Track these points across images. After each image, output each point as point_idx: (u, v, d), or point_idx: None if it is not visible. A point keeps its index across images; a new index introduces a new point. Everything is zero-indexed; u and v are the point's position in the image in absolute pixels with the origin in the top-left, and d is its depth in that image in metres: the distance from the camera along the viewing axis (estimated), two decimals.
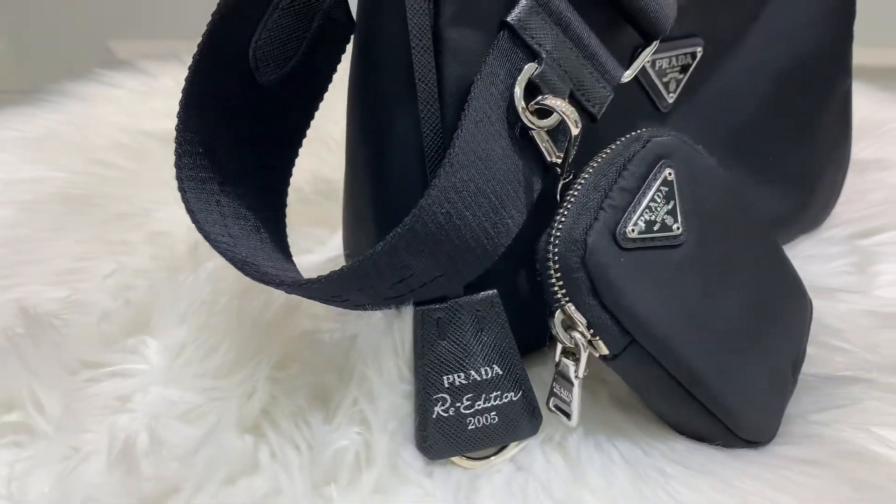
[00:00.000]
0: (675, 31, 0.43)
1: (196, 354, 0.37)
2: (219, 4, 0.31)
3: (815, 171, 0.51)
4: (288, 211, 0.47)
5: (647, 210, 0.34)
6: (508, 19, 0.34)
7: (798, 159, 0.50)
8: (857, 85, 0.79)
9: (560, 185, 0.37)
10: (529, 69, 0.34)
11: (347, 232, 0.42)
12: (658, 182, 0.35)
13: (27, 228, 0.48)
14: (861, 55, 1.11)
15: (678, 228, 0.35)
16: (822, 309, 0.46)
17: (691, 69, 0.44)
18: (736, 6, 0.45)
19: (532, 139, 0.35)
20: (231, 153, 0.35)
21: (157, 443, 0.32)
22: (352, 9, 0.36)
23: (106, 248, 0.45)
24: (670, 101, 0.44)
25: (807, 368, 0.41)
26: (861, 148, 0.65)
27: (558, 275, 0.34)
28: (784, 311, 0.39)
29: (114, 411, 0.36)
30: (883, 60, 1.06)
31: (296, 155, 0.38)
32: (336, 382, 0.35)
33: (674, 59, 0.43)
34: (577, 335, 0.34)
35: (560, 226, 0.34)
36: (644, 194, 0.35)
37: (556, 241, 0.34)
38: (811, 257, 0.52)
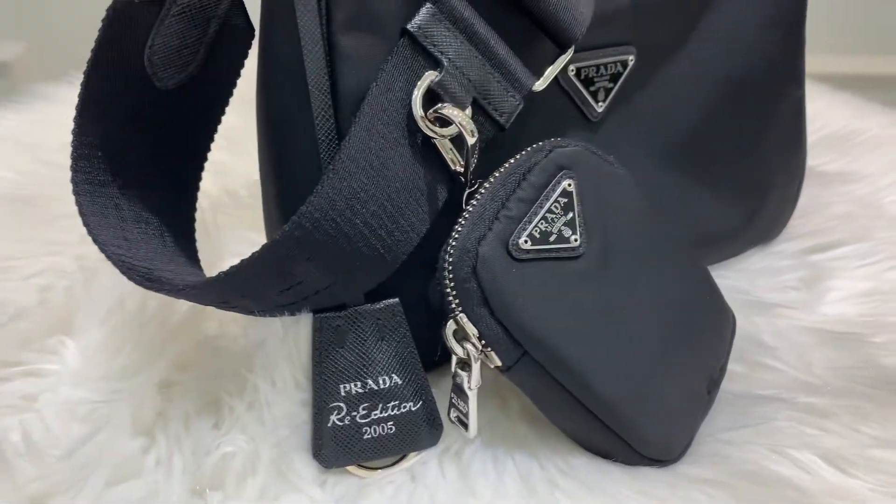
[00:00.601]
0: (604, 39, 0.42)
1: (105, 356, 0.38)
2: (108, 10, 0.32)
3: (763, 182, 0.50)
4: (223, 215, 0.47)
5: (543, 221, 0.34)
6: (409, 26, 0.34)
7: (744, 170, 0.49)
8: (838, 93, 0.78)
9: (465, 194, 0.36)
10: (429, 77, 0.34)
11: (266, 237, 0.42)
12: (557, 193, 0.34)
13: None
14: (845, 63, 1.09)
15: (576, 240, 0.34)
16: (761, 325, 0.45)
17: (622, 78, 0.43)
18: (671, 16, 0.44)
19: (436, 147, 0.35)
20: (134, 157, 0.35)
21: (41, 443, 0.32)
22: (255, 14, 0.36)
23: (40, 248, 0.46)
24: (600, 110, 0.43)
25: (728, 386, 0.40)
26: (830, 159, 0.64)
27: (452, 284, 0.33)
28: (701, 327, 0.38)
29: (19, 410, 0.36)
30: (871, 69, 1.03)
31: (204, 159, 0.38)
32: (232, 388, 0.35)
33: (602, 68, 0.42)
34: (469, 346, 0.34)
35: (456, 235, 0.34)
36: (541, 205, 0.34)
37: (452, 251, 0.33)
38: (759, 271, 0.50)
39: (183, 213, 0.38)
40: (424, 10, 0.34)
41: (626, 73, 0.43)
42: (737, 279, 0.49)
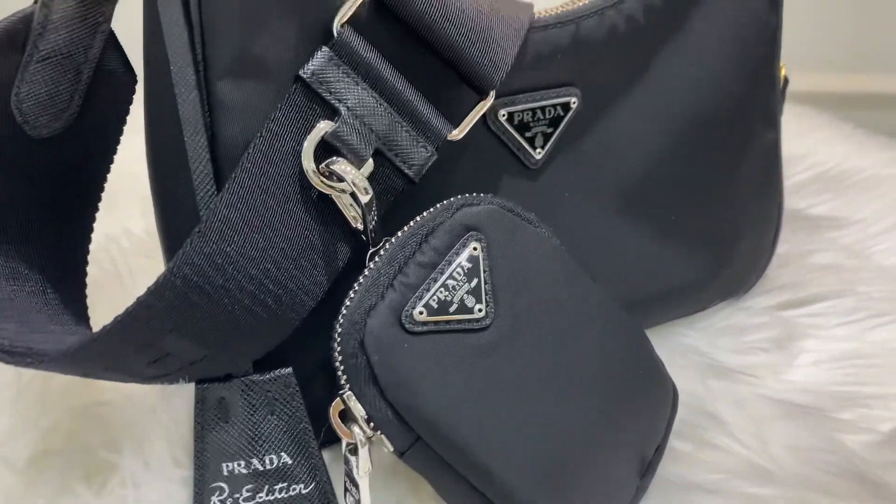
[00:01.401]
0: (541, 80, 0.39)
1: None
2: None
3: (731, 232, 0.46)
4: (146, 258, 0.44)
5: (442, 289, 0.30)
6: (302, 72, 0.31)
7: (710, 219, 0.45)
8: (839, 125, 0.73)
9: (368, 255, 0.33)
10: (322, 127, 0.31)
11: None
12: (461, 257, 0.31)
13: None
14: (852, 82, 1.03)
15: (481, 310, 0.31)
16: (717, 392, 0.41)
17: (565, 122, 0.39)
18: (620, 53, 0.40)
19: (332, 202, 0.32)
20: (9, 211, 0.33)
21: None
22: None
23: None
24: (539, 156, 0.39)
25: (667, 469, 0.36)
26: (820, 201, 0.59)
27: (340, 359, 0.30)
28: (631, 404, 0.34)
29: None
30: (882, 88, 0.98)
31: (94, 209, 0.35)
32: (108, 461, 0.32)
33: (539, 112, 0.39)
34: (356, 429, 0.30)
35: (348, 303, 0.30)
36: (442, 271, 0.31)
37: (342, 321, 0.30)
38: (724, 329, 0.46)
39: (71, 266, 0.35)
40: (320, 55, 0.31)
41: (568, 117, 0.39)
42: (697, 338, 0.45)
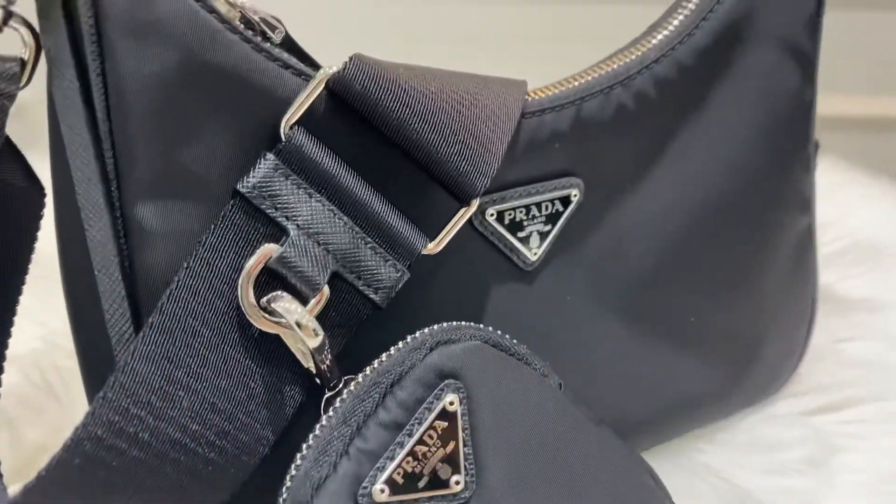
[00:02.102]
0: (536, 171, 0.33)
1: None
2: None
3: (756, 333, 0.40)
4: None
5: (410, 458, 0.25)
6: (241, 186, 0.25)
7: (731, 321, 0.39)
8: (870, 174, 0.67)
9: (324, 400, 0.27)
10: (265, 252, 0.26)
11: None
12: (434, 414, 0.25)
13: None
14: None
15: (459, 483, 0.25)
16: None
17: (564, 217, 0.34)
18: (629, 135, 0.34)
19: (278, 338, 0.26)
20: None
21: None
22: None
23: None
24: (534, 258, 0.33)
25: None
26: (855, 274, 0.53)
27: None
28: None
29: None
30: None
31: (7, 336, 0.30)
32: None
33: (534, 209, 0.33)
34: None
35: (294, 472, 0.25)
36: (410, 433, 0.25)
37: (286, 497, 0.24)
38: (751, 443, 0.40)
39: None
40: (264, 164, 0.26)
41: (568, 212, 0.34)
42: (718, 455, 0.39)
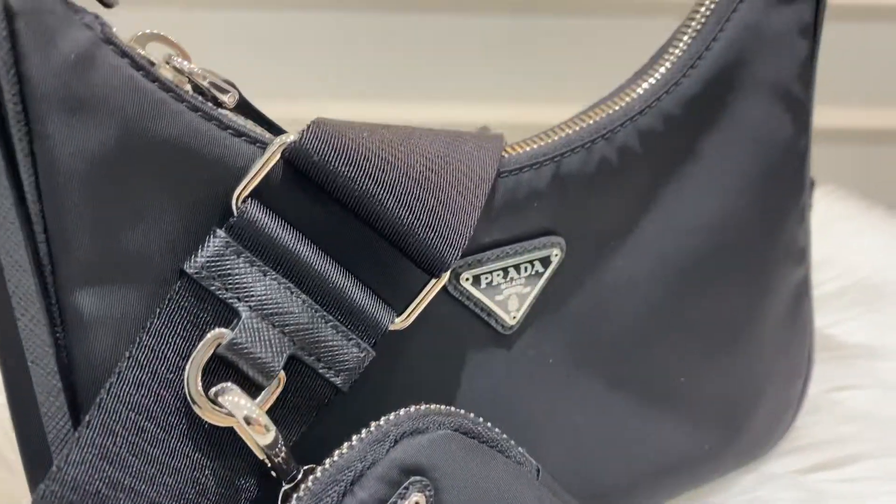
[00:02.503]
0: (515, 231, 0.31)
1: None
2: None
3: (749, 392, 0.37)
4: None
5: None
6: (188, 267, 0.24)
7: (724, 379, 0.37)
8: (866, 205, 0.65)
9: (281, 495, 0.25)
10: (215, 338, 0.24)
11: None
12: None
13: None
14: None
15: None
16: None
17: (544, 278, 0.32)
18: (611, 190, 0.32)
19: (231, 430, 0.24)
20: None
21: None
22: None
23: None
24: (513, 321, 0.31)
25: None
26: (852, 316, 0.51)
27: None
28: None
29: None
30: None
31: None
32: None
33: (512, 271, 0.31)
34: None
35: None
36: None
37: None
38: None
39: None
40: (214, 241, 0.24)
41: (548, 273, 0.32)
42: None
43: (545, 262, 0.32)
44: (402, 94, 0.89)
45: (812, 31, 0.35)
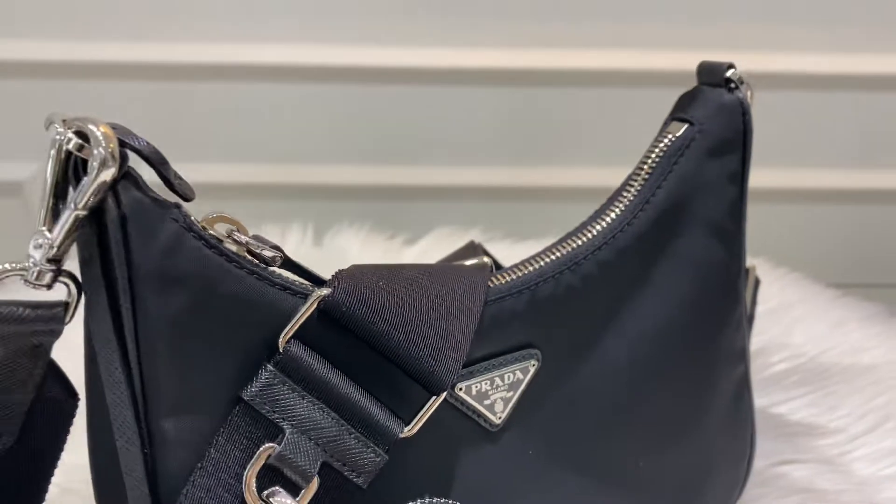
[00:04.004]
0: (501, 344, 0.38)
1: None
2: None
3: (699, 473, 0.44)
4: None
5: None
6: (244, 394, 0.31)
7: (677, 462, 0.44)
8: (818, 290, 0.72)
9: None
10: (266, 451, 0.30)
11: None
12: None
13: None
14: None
15: None
16: None
17: (524, 384, 0.39)
18: (577, 309, 0.40)
19: None
20: None
21: None
22: None
23: None
24: (498, 421, 0.38)
25: None
26: (798, 395, 0.58)
27: None
28: None
29: None
30: None
31: None
32: None
33: (498, 380, 0.38)
34: None
35: None
36: None
37: None
38: None
39: None
40: (264, 374, 0.31)
41: (527, 379, 0.39)
42: None
43: (524, 371, 0.39)
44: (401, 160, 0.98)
45: (740, 178, 0.43)
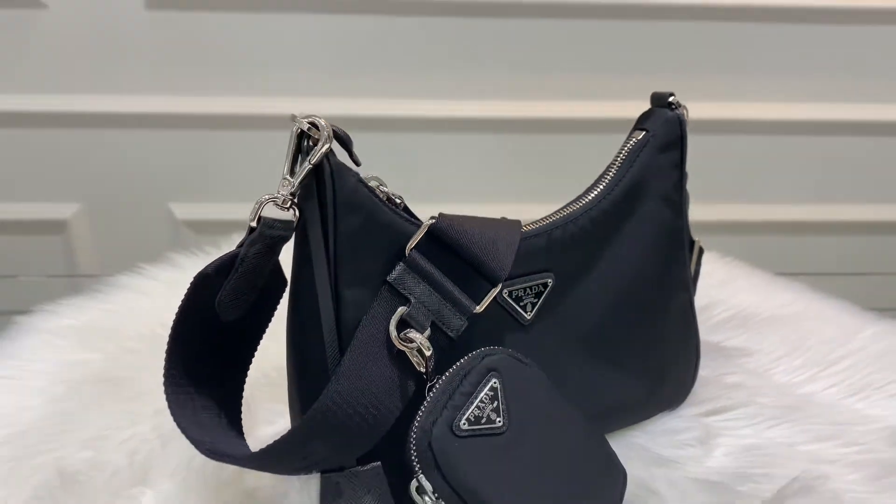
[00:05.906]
0: (528, 268, 0.60)
1: (174, 502, 0.53)
2: (193, 279, 0.50)
3: (660, 367, 0.66)
4: (257, 391, 0.64)
5: (476, 409, 0.50)
6: (388, 279, 0.52)
7: (647, 356, 0.65)
8: (754, 272, 0.95)
9: (427, 388, 0.53)
10: (401, 311, 0.52)
11: (290, 413, 0.59)
12: (486, 388, 0.51)
13: (72, 402, 0.65)
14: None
15: (500, 422, 0.50)
16: (657, 475, 0.60)
17: (545, 294, 0.60)
18: (577, 250, 0.62)
19: (407, 356, 0.52)
20: (203, 368, 0.53)
21: None
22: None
23: (125, 419, 0.62)
24: (529, 317, 0.60)
25: None
26: (735, 335, 0.80)
27: (415, 453, 0.49)
28: (595, 482, 0.53)
29: None
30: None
31: (247, 367, 0.55)
32: None
33: (528, 289, 0.60)
34: (426, 498, 0.49)
35: (419, 419, 0.50)
36: (475, 397, 0.50)
37: (415, 430, 0.49)
38: (662, 431, 0.65)
39: (233, 401, 0.55)
40: (399, 267, 0.52)
41: (546, 291, 0.61)
42: (643, 438, 0.64)
43: (544, 285, 0.61)
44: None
45: (679, 165, 0.66)
